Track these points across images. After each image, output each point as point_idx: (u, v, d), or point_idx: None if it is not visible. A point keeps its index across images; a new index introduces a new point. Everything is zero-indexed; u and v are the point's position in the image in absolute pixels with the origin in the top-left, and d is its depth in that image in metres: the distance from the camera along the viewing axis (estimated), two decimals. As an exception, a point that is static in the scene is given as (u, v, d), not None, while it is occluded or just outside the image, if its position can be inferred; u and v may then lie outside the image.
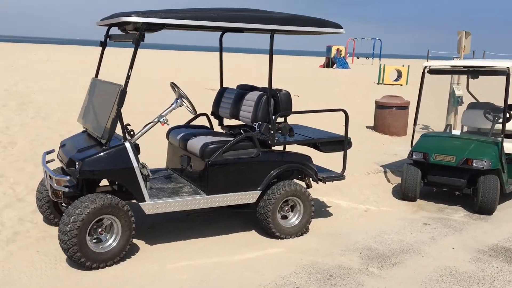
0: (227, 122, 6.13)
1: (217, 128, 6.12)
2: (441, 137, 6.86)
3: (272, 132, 4.99)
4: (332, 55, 34.68)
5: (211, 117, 6.03)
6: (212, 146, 4.84)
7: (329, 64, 34.34)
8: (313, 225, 5.54)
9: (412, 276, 4.43)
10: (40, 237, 4.82)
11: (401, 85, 22.19)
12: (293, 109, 5.30)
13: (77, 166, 4.25)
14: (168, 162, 5.76)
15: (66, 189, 4.38)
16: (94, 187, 4.68)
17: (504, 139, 6.66)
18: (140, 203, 4.47)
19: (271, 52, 4.88)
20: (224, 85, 5.95)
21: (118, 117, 4.32)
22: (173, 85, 4.93)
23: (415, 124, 7.34)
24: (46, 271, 4.20)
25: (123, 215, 4.29)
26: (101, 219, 4.28)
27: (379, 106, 11.14)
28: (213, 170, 4.78)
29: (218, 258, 4.62)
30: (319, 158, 6.67)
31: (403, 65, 24.53)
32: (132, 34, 4.50)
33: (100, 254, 4.22)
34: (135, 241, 4.79)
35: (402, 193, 6.68)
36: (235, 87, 6.00)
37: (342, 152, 5.53)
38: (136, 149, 4.73)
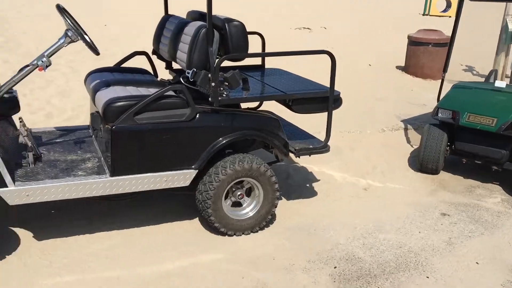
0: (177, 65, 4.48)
1: (163, 73, 4.51)
2: (479, 90, 4.98)
3: (213, 84, 3.34)
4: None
5: (155, 57, 4.40)
6: (119, 103, 3.26)
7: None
8: (282, 212, 4.00)
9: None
10: None
11: (450, 16, 19.42)
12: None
13: None
14: (91, 118, 4.25)
15: None
16: None
17: None
18: (-3, 190, 3.03)
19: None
20: (172, 11, 4.25)
21: None
22: (61, 10, 3.29)
23: (445, 70, 5.41)
24: None
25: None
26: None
27: (413, 42, 9.05)
28: (119, 140, 3.24)
29: (117, 270, 3.19)
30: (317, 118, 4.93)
31: (454, -7, 21.43)
32: None
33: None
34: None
35: (419, 163, 4.96)
36: (184, 15, 4.30)
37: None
38: (8, 105, 3.24)
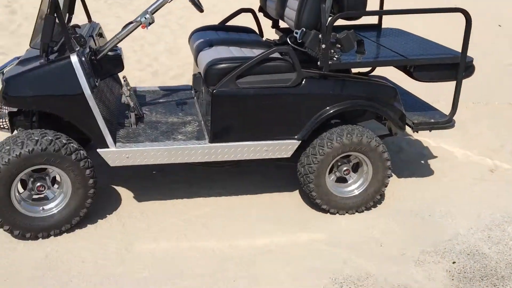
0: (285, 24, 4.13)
1: (269, 33, 4.20)
2: None
3: (323, 46, 2.97)
4: None
5: (261, 16, 4.09)
6: (221, 65, 3.04)
7: None
8: (391, 192, 3.59)
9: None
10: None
11: None
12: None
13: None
14: (193, 79, 4.11)
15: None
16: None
17: None
18: (99, 150, 3.00)
19: None
20: None
21: (55, 14, 2.76)
22: None
23: None
24: None
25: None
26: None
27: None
28: (219, 105, 3.03)
29: (212, 240, 3.06)
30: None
31: None
32: None
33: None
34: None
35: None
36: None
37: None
38: (112, 64, 3.17)
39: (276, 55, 3.13)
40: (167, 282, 2.69)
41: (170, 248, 2.97)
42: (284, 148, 3.18)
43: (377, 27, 4.13)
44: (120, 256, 2.87)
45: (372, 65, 3.34)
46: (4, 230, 2.87)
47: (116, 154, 3.00)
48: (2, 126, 3.18)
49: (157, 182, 3.64)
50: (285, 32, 3.87)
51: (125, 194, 3.49)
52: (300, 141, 3.18)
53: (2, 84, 2.87)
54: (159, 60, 6.16)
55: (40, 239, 2.96)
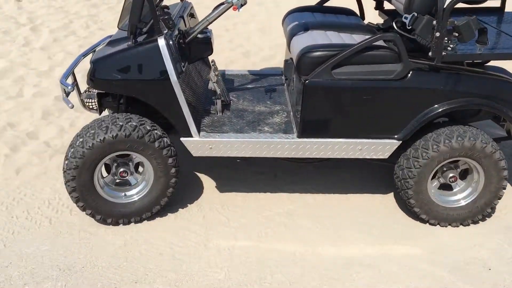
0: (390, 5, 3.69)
1: (371, 15, 3.79)
2: None
3: (437, 34, 2.55)
4: None
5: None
6: (316, 53, 2.74)
7: None
8: (504, 205, 3.11)
9: None
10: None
11: None
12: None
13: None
14: (284, 65, 3.84)
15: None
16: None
17: None
18: (182, 139, 2.85)
19: None
20: None
21: None
22: None
23: None
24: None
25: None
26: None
27: None
28: (312, 96, 2.75)
29: (294, 244, 2.82)
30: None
31: None
32: None
33: None
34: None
35: None
36: None
37: None
38: (201, 47, 2.99)
39: (379, 42, 2.76)
40: None
41: (249, 247, 2.79)
42: (381, 148, 2.83)
43: (499, 10, 3.56)
44: (198, 252, 2.74)
45: (495, 58, 2.85)
46: (87, 214, 2.86)
47: (199, 144, 2.84)
48: (90, 107, 3.15)
49: (240, 172, 3.46)
50: (390, 15, 3.46)
51: (208, 183, 3.35)
52: (400, 142, 2.82)
53: (90, 65, 2.81)
54: (250, 40, 5.96)
55: (121, 225, 2.91)
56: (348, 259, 2.69)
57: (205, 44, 3.01)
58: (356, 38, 2.96)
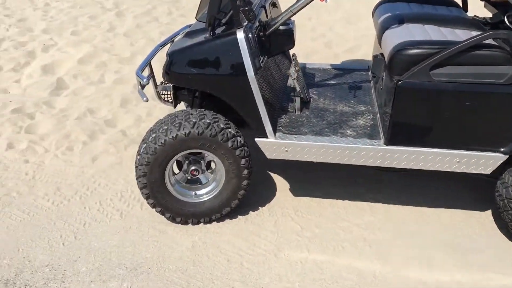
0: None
1: (476, 7, 3.35)
2: None
3: None
4: None
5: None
6: (412, 51, 2.41)
7: None
8: None
9: None
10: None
11: None
12: None
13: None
14: (373, 61, 3.50)
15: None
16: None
17: None
18: (257, 139, 2.66)
19: None
20: None
21: None
22: None
23: None
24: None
25: None
26: None
27: None
28: (405, 99, 2.43)
29: (378, 262, 2.54)
30: None
31: None
32: None
33: None
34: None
35: None
36: None
37: None
38: (282, 40, 2.77)
39: (488, 40, 2.38)
40: (315, 306, 2.29)
41: (323, 262, 2.55)
42: (483, 162, 2.46)
43: None
44: (267, 262, 2.55)
45: None
46: (156, 211, 2.77)
47: (274, 146, 2.64)
48: (166, 99, 3.05)
49: (317, 175, 3.22)
50: (500, 7, 3.01)
51: (281, 184, 3.15)
52: (507, 156, 2.43)
53: (166, 57, 2.69)
54: (334, 30, 5.64)
55: (190, 224, 2.80)
56: (436, 286, 2.37)
57: (287, 37, 2.78)
58: (459, 34, 2.59)
